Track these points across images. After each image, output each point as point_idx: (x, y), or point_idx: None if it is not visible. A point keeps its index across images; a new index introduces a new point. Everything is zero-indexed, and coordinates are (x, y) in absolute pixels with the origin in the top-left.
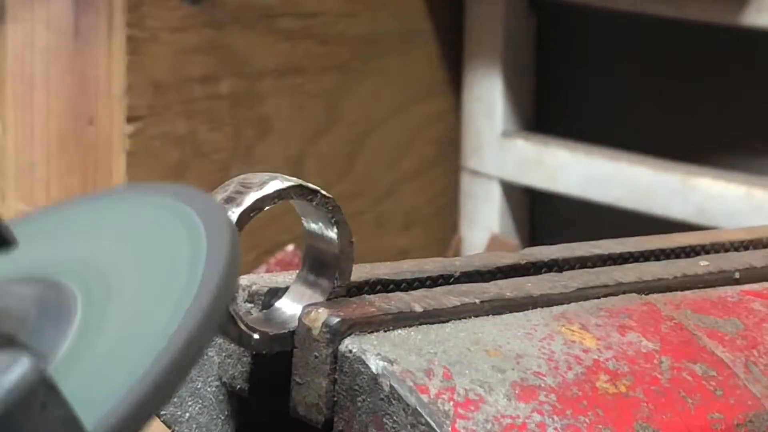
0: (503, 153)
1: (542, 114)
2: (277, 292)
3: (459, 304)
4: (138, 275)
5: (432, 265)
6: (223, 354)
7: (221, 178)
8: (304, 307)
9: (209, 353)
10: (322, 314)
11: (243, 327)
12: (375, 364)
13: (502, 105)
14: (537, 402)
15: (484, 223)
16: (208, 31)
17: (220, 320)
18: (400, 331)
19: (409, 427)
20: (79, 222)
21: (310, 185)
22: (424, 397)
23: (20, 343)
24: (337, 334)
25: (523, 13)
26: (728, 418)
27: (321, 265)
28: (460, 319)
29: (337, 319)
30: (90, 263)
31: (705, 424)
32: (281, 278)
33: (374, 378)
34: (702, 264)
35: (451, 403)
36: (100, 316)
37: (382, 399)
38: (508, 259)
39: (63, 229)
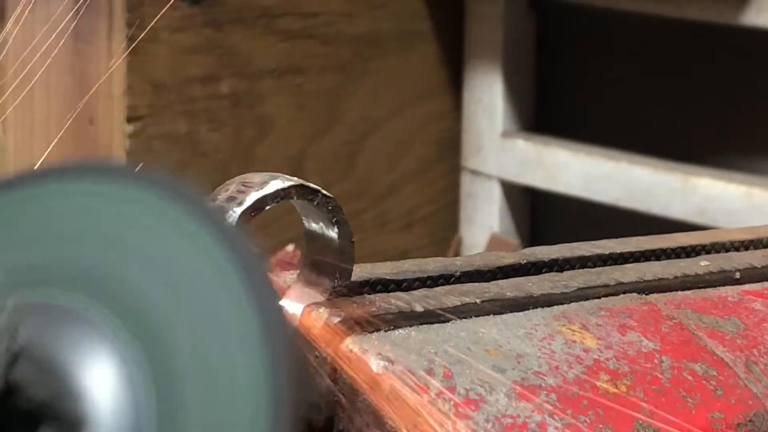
0: (503, 153)
1: (542, 114)
2: None
3: (459, 303)
4: (190, 340)
5: (432, 265)
6: None
7: (221, 178)
8: (305, 307)
9: None
10: (322, 314)
11: None
12: (375, 364)
13: (502, 105)
14: (537, 401)
15: (484, 223)
16: (208, 31)
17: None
18: (400, 330)
19: (409, 426)
20: (65, 210)
21: (311, 185)
22: (425, 397)
23: None
24: (337, 333)
25: (523, 13)
26: (729, 418)
27: (321, 265)
28: (460, 318)
29: (338, 319)
30: (123, 291)
31: (705, 424)
32: (281, 278)
33: (374, 377)
34: (702, 264)
35: (452, 402)
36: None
37: (382, 398)
38: (508, 258)
39: (47, 219)
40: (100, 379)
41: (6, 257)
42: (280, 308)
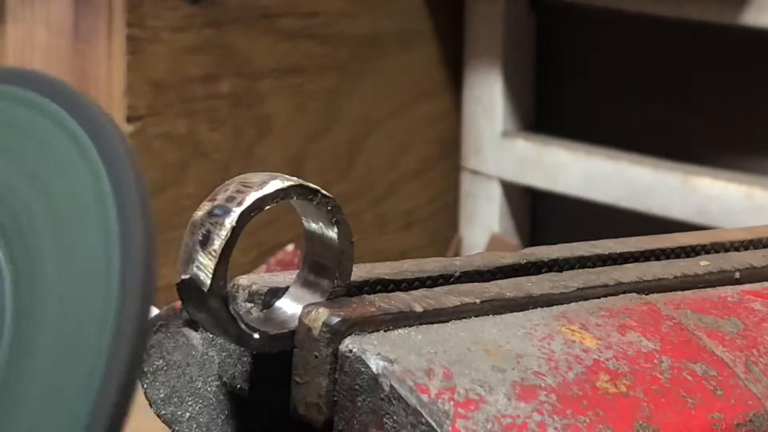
0: (503, 153)
1: (542, 114)
2: (277, 292)
3: (459, 303)
4: (50, 235)
5: (432, 265)
6: (223, 354)
7: (221, 178)
8: (305, 307)
9: (209, 353)
10: (322, 314)
11: (243, 327)
12: (375, 364)
13: (502, 105)
14: (537, 402)
15: (484, 223)
16: (208, 31)
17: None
18: (400, 330)
19: (409, 426)
20: None
21: (311, 185)
22: (425, 397)
23: None
24: (337, 333)
25: (523, 14)
26: (728, 418)
27: (321, 265)
28: (460, 318)
29: (338, 319)
30: None
31: (705, 424)
32: (281, 278)
33: (374, 378)
34: (702, 264)
35: (452, 402)
36: (30, 306)
37: (382, 399)
38: (508, 258)
39: None
40: None
41: None
42: (136, 176)
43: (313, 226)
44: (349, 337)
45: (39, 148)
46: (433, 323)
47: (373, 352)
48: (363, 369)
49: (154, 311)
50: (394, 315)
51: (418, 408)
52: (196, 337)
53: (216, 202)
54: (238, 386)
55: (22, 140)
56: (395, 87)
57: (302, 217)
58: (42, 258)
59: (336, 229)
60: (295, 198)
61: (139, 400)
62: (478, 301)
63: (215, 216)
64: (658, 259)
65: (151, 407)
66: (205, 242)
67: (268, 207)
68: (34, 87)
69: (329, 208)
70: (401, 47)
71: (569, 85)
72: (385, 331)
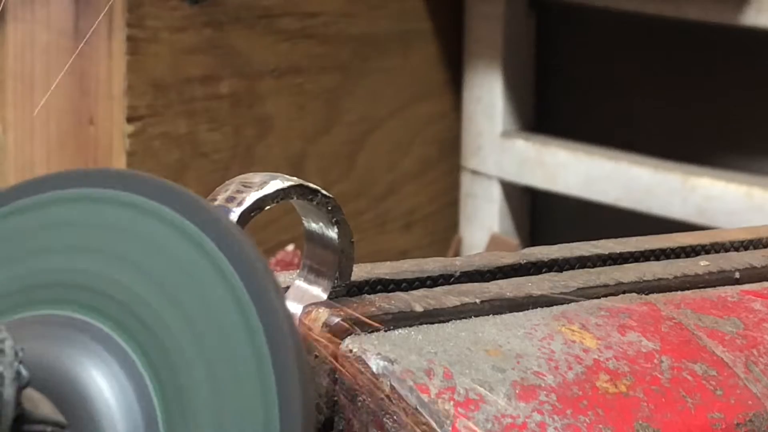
0: (503, 153)
1: (542, 114)
2: None
3: (459, 303)
4: (193, 348)
5: (432, 265)
6: None
7: (221, 178)
8: (305, 307)
9: None
10: (322, 314)
11: None
12: (375, 364)
13: (502, 105)
14: (537, 401)
15: (484, 223)
16: (208, 31)
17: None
18: (400, 330)
19: (409, 426)
20: (64, 224)
21: (311, 185)
22: (425, 397)
23: None
24: (337, 333)
25: (523, 13)
26: (728, 418)
27: (321, 265)
28: (460, 318)
29: (338, 319)
30: (122, 303)
31: (705, 424)
32: (281, 278)
33: (374, 377)
34: (702, 264)
35: (452, 402)
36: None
37: (382, 399)
38: (508, 259)
39: (42, 232)
40: (106, 390)
41: (4, 271)
42: (286, 310)
43: (313, 226)
44: (349, 337)
45: (184, 276)
46: (433, 323)
47: (373, 352)
48: (363, 369)
49: None
50: (395, 315)
51: (418, 408)
52: None
53: (216, 202)
54: None
55: (164, 260)
56: (395, 87)
57: (302, 217)
58: (193, 395)
59: (336, 229)
60: (295, 198)
61: None
62: (478, 301)
63: None
64: (658, 259)
65: None
66: None
67: (268, 207)
68: (174, 205)
69: (329, 208)
70: (401, 47)
71: (569, 85)
72: (386, 330)
